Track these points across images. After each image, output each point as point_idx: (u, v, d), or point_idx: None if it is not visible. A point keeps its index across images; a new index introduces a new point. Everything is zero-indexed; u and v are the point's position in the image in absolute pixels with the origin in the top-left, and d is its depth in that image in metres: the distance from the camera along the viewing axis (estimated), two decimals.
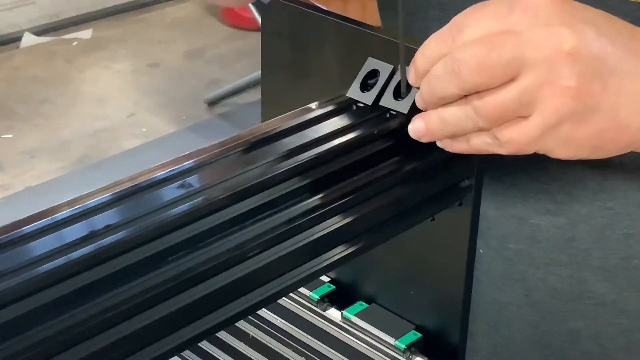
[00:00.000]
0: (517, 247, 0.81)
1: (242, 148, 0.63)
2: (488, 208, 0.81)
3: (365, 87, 0.71)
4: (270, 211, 0.61)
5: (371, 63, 0.71)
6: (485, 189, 0.75)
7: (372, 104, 0.70)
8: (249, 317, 0.86)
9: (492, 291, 0.84)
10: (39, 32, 3.35)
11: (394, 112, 0.69)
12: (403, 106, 0.68)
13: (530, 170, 0.79)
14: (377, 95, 0.70)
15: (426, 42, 0.63)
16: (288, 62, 0.85)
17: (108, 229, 0.53)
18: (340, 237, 0.65)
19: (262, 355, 0.84)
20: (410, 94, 0.68)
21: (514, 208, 0.80)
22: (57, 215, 0.53)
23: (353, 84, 0.71)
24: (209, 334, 0.58)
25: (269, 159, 0.62)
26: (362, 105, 0.70)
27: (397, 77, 0.69)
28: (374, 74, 0.71)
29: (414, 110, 0.67)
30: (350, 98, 0.71)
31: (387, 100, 0.69)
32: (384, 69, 0.70)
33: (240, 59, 3.21)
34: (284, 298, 0.88)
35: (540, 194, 0.79)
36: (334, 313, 0.87)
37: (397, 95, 0.69)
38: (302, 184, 0.63)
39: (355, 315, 0.85)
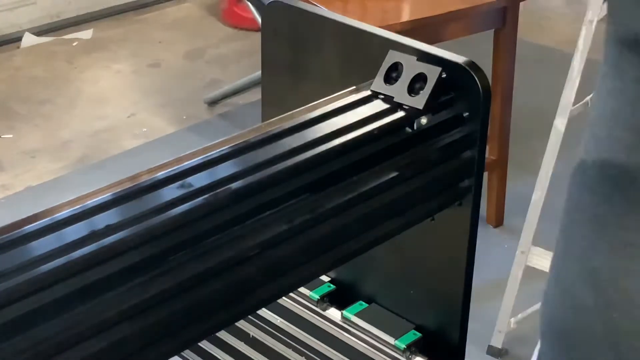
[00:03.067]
0: None
1: (242, 148, 0.63)
2: None
3: (389, 80, 0.71)
4: (270, 211, 0.61)
5: (394, 56, 0.71)
6: None
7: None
8: (249, 317, 0.86)
9: None
10: (40, 32, 3.34)
11: (407, 107, 0.69)
12: (418, 102, 0.68)
13: None
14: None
15: None
16: (288, 62, 0.85)
17: (108, 229, 0.53)
18: (340, 237, 0.65)
19: (262, 355, 0.84)
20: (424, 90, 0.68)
21: None
22: (57, 215, 0.53)
23: (377, 78, 0.71)
24: (209, 334, 0.58)
25: (268, 159, 0.62)
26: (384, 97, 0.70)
27: (409, 73, 0.69)
28: (395, 67, 0.70)
29: (429, 105, 0.66)
30: (373, 91, 0.71)
31: (402, 96, 0.69)
32: (408, 61, 0.70)
33: (240, 59, 3.21)
34: (284, 298, 0.88)
35: None
36: (334, 313, 0.87)
37: (412, 91, 0.69)
38: (302, 184, 0.63)
39: (355, 315, 0.86)
